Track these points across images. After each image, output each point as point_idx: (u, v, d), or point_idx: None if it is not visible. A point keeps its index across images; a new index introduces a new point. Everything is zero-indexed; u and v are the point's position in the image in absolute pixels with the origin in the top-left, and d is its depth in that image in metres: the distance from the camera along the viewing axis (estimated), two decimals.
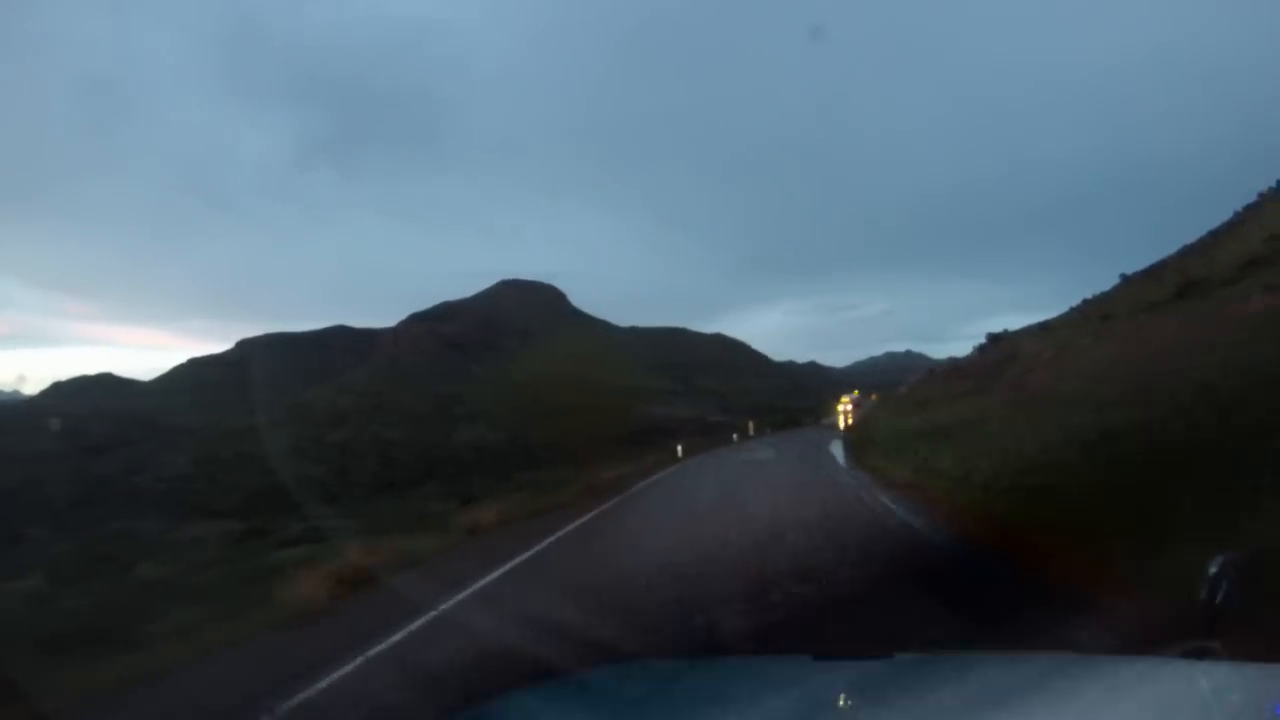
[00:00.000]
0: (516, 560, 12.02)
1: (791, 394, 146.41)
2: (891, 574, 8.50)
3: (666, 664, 3.23)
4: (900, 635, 5.73)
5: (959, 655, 3.48)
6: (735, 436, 62.48)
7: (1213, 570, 2.18)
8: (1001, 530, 9.22)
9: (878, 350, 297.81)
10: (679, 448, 43.02)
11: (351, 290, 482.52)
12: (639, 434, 64.12)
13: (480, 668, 6.30)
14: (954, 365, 59.31)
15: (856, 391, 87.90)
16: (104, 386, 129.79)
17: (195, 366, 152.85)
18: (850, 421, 62.50)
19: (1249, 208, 65.02)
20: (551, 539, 14.23)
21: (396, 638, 7.84)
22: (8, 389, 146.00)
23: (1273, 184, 67.48)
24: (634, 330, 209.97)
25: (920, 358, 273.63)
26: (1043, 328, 54.88)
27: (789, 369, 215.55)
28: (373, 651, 7.40)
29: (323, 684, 6.58)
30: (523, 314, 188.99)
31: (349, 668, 6.97)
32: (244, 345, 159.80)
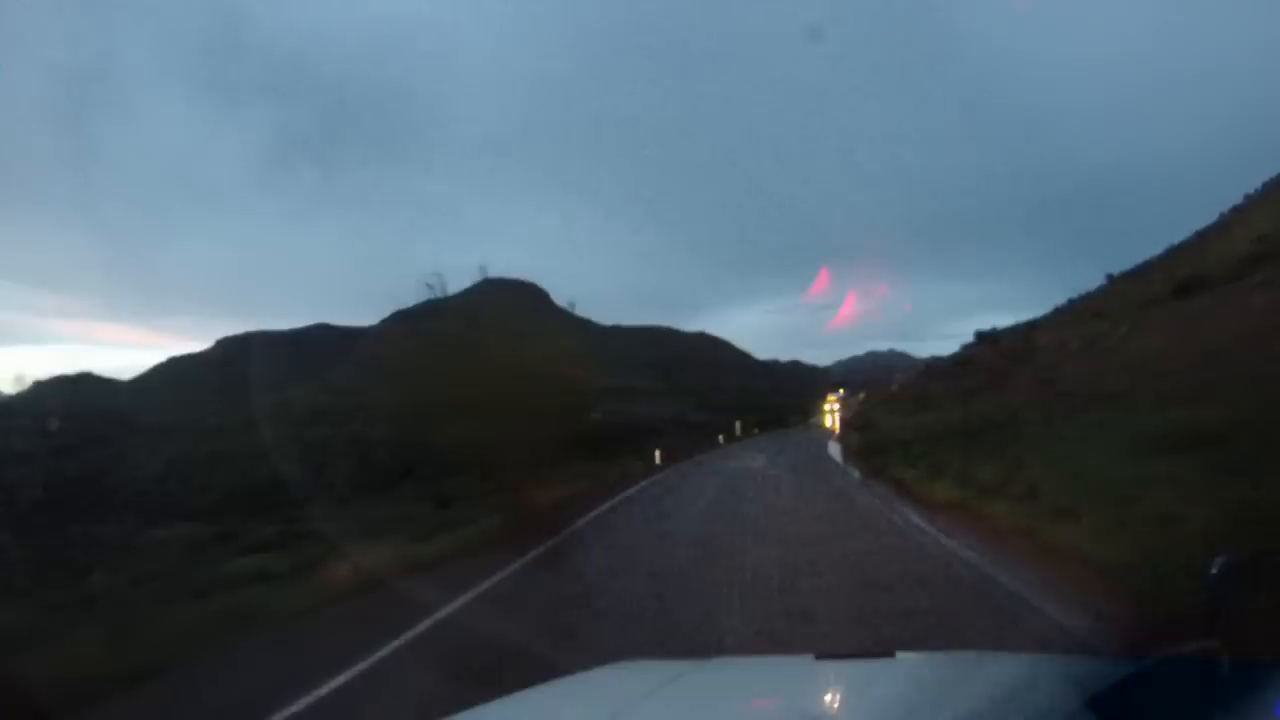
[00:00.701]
0: None
1: (775, 393, 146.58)
2: None
3: (667, 664, 3.09)
4: None
5: (959, 655, 3.65)
6: (721, 439, 59.71)
7: (1213, 570, 2.15)
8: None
9: (860, 349, 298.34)
10: (657, 453, 40.12)
11: (334, 288, 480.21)
12: (615, 436, 63.57)
13: None
14: (956, 361, 58.72)
15: (842, 390, 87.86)
16: (83, 385, 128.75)
17: (175, 365, 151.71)
18: (837, 421, 62.35)
19: (1235, 209, 65.57)
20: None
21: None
22: None
23: (1258, 186, 68.13)
24: (617, 328, 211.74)
25: (903, 356, 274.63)
26: (1030, 326, 54.40)
27: (773, 367, 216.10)
28: None
29: None
30: (506, 311, 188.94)
31: None
32: (224, 343, 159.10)
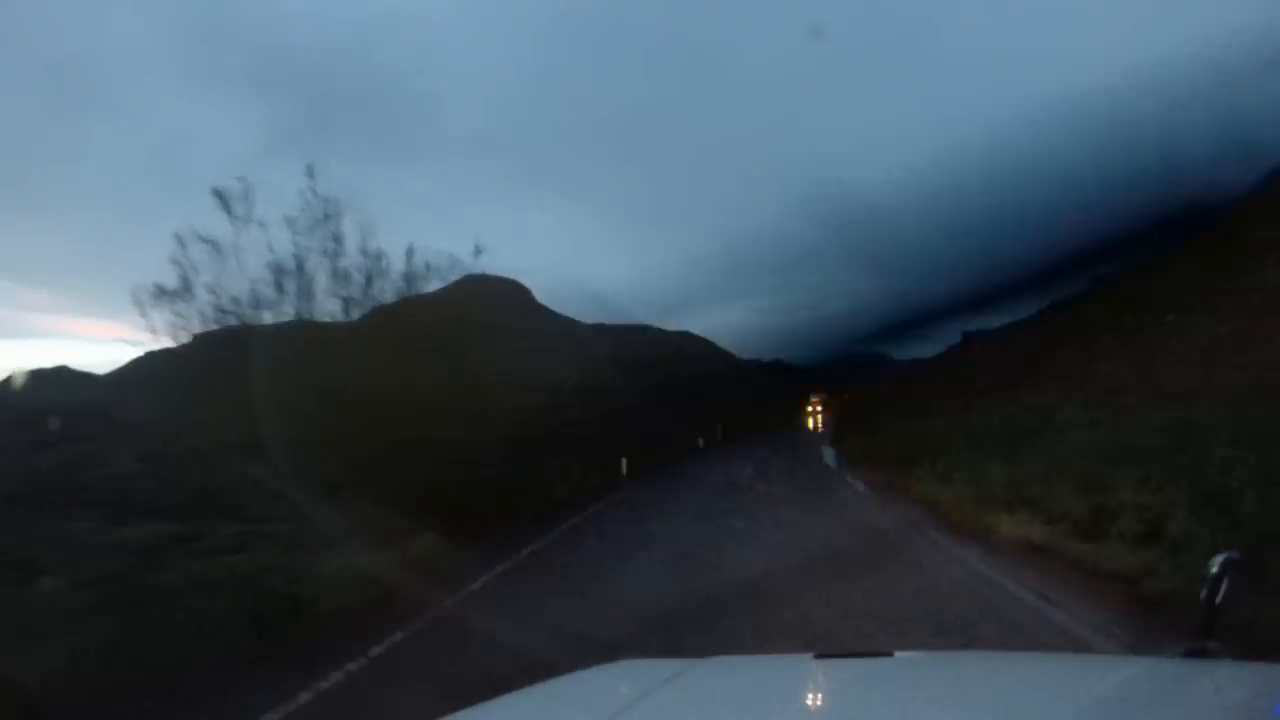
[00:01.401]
0: None
1: (758, 392, 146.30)
2: None
3: (666, 663, 3.01)
4: None
5: (959, 655, 3.71)
6: (701, 441, 55.81)
7: (1213, 570, 2.22)
8: None
9: (842, 350, 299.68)
10: (624, 461, 32.87)
11: (314, 282, 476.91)
12: (587, 438, 63.08)
13: None
14: (951, 360, 56.10)
15: (824, 393, 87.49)
16: (60, 380, 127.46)
17: (153, 360, 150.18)
18: (821, 422, 61.98)
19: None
20: None
21: None
22: None
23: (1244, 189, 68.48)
24: (600, 326, 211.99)
25: (884, 358, 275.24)
26: (1016, 328, 53.96)
27: (755, 367, 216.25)
28: None
29: None
30: (487, 309, 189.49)
31: None
32: (202, 339, 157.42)
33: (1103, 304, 44.37)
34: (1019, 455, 16.28)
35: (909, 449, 24.10)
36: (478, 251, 30.36)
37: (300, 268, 23.59)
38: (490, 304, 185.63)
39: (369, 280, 24.75)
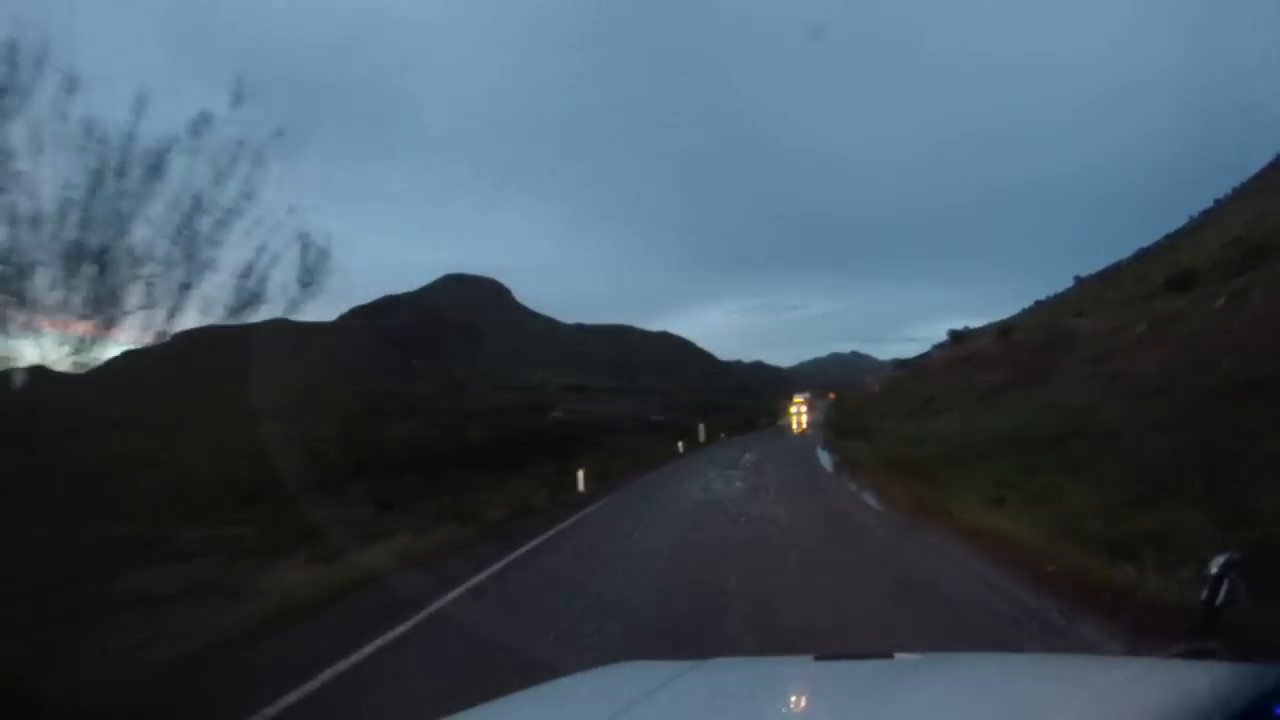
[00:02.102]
0: None
1: (738, 393, 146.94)
2: None
3: (666, 664, 2.89)
4: None
5: (959, 656, 3.58)
6: (681, 445, 45.69)
7: (1213, 570, 2.21)
8: None
9: (823, 351, 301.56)
10: (580, 475, 24.62)
11: (292, 282, 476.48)
12: (559, 440, 62.33)
13: None
14: (956, 356, 52.66)
15: (808, 393, 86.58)
16: (35, 378, 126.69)
17: (131, 359, 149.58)
18: (804, 423, 59.76)
19: (1206, 213, 66.51)
20: None
21: None
22: None
23: (1228, 192, 69.06)
24: (580, 327, 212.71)
25: (865, 358, 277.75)
26: (1004, 328, 52.88)
27: (735, 368, 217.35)
28: None
29: None
30: (466, 309, 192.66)
31: None
32: (180, 338, 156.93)
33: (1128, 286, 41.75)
34: (1081, 467, 13.27)
35: (926, 456, 20.49)
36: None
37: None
38: (468, 303, 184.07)
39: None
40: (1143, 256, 66.26)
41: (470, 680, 6.94)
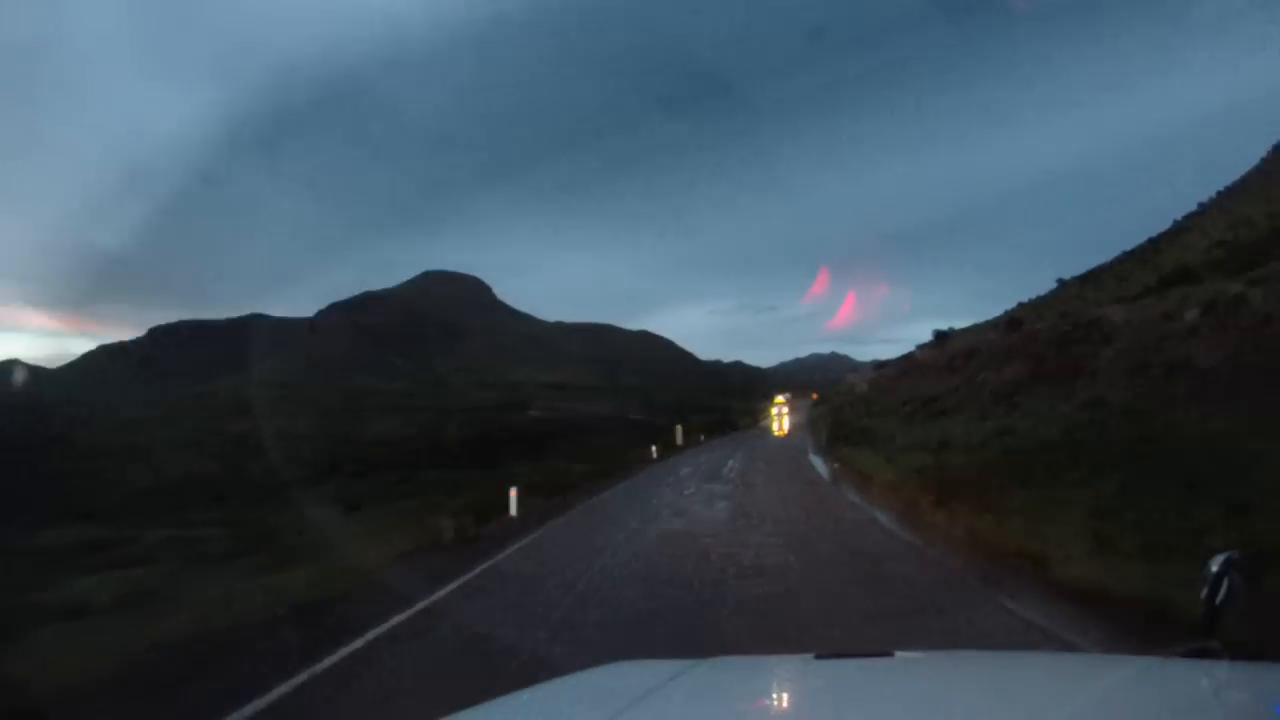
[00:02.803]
0: None
1: (718, 392, 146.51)
2: None
3: (666, 664, 2.74)
4: None
5: (959, 655, 3.58)
6: (655, 450, 39.88)
7: (1213, 570, 2.14)
8: None
9: (803, 351, 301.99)
10: (512, 495, 19.08)
11: (271, 278, 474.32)
12: (536, 439, 62.05)
13: None
14: (955, 351, 47.16)
15: (789, 393, 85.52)
16: (9, 374, 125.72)
17: (105, 353, 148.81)
18: (785, 424, 57.94)
19: (1190, 216, 66.99)
20: None
21: None
22: None
23: (1213, 194, 69.51)
24: (560, 325, 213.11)
25: (843, 359, 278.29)
26: (1011, 320, 50.70)
27: (716, 367, 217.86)
28: None
29: None
30: (446, 306, 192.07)
31: None
32: (156, 332, 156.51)
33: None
34: (1196, 484, 10.18)
35: (957, 467, 16.32)
36: None
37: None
38: (448, 300, 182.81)
39: None
40: (1125, 259, 66.52)
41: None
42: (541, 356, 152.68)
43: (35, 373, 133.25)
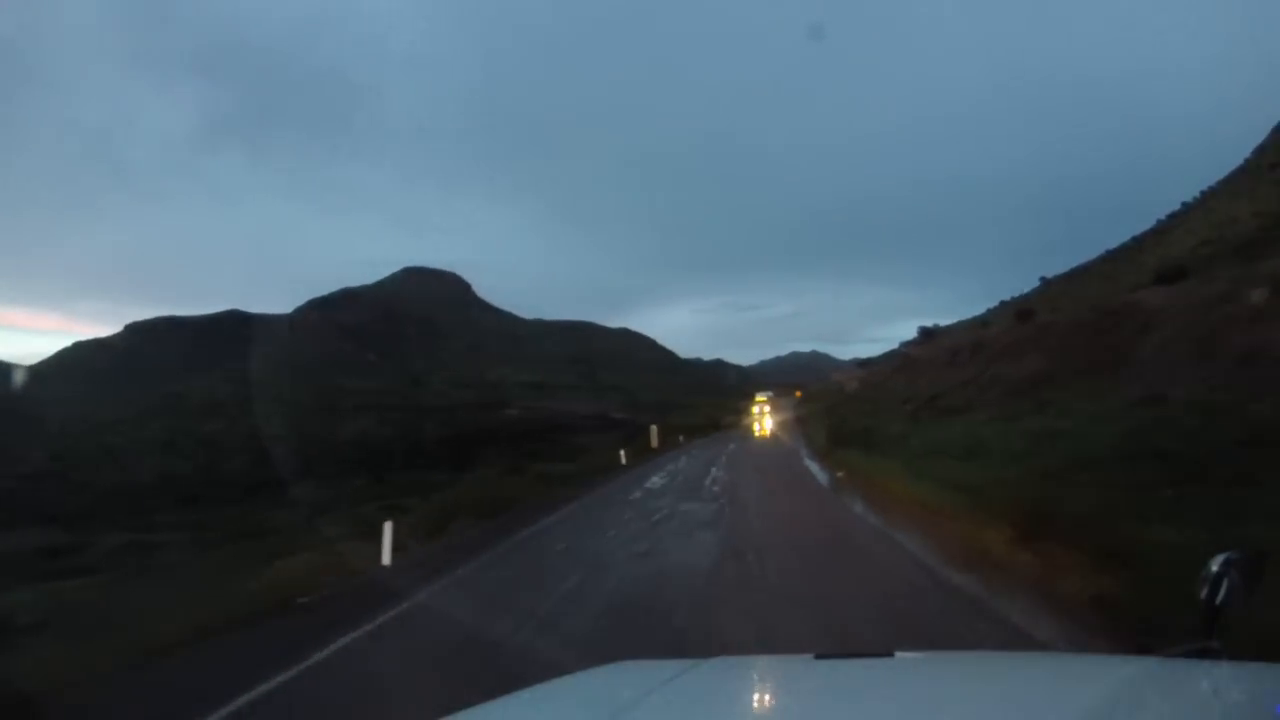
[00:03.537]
0: None
1: (699, 391, 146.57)
2: None
3: (666, 664, 2.73)
4: None
5: (959, 655, 3.61)
6: (624, 455, 34.13)
7: (1213, 570, 2.18)
8: None
9: (784, 350, 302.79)
10: (386, 537, 13.58)
11: (250, 274, 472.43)
12: (513, 438, 61.65)
13: None
14: (957, 345, 43.51)
15: (770, 391, 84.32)
16: None
17: (81, 350, 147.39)
18: (765, 425, 55.91)
19: (1172, 216, 67.64)
20: None
21: None
22: None
23: (1196, 194, 70.05)
24: (540, 323, 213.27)
25: (825, 358, 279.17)
26: (1021, 309, 48.71)
27: (696, 366, 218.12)
28: None
29: None
30: (426, 303, 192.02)
31: None
32: (133, 329, 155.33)
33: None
34: None
35: (1007, 482, 12.66)
36: None
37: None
38: (428, 297, 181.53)
39: None
40: (1110, 258, 67.06)
41: None
42: (521, 355, 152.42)
43: (12, 370, 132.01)
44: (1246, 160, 69.61)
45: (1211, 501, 9.00)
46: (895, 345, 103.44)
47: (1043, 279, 75.42)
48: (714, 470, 25.80)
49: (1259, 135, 71.39)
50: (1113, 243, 71.23)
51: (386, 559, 12.98)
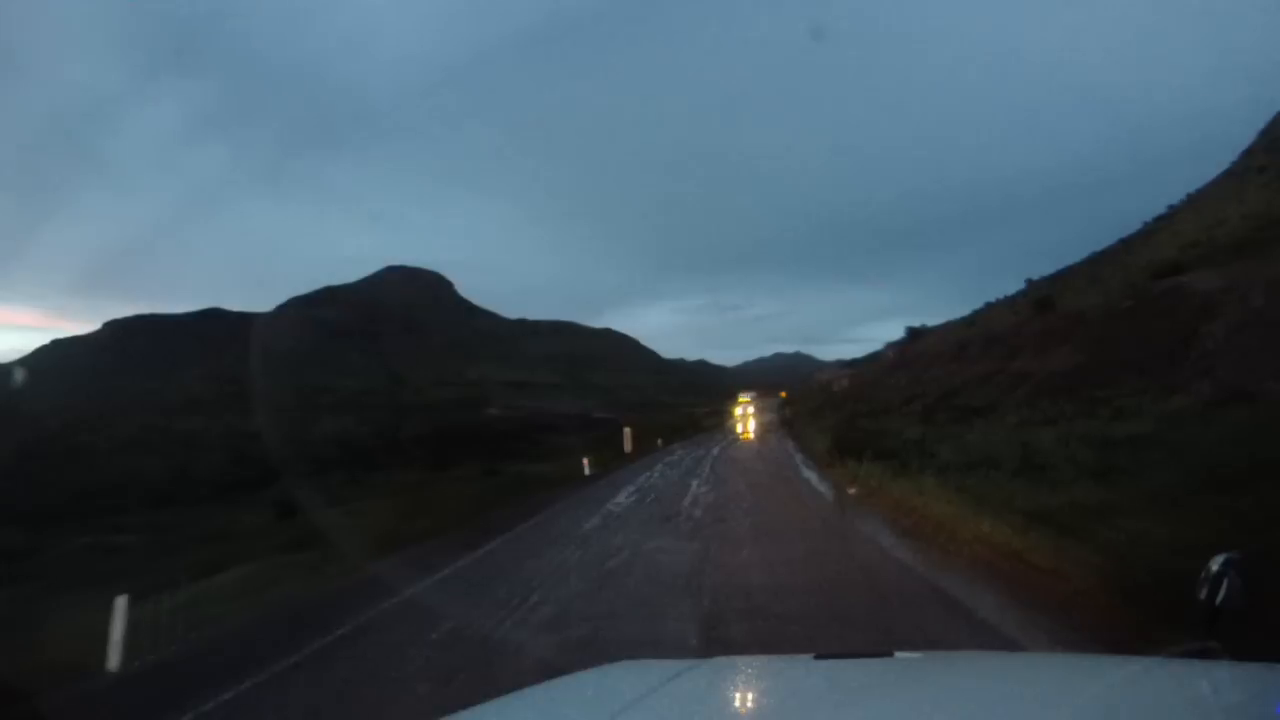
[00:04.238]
0: None
1: (682, 391, 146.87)
2: None
3: (666, 664, 2.69)
4: None
5: (959, 655, 3.61)
6: (588, 465, 28.76)
7: (1213, 570, 2.21)
8: None
9: (767, 351, 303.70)
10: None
11: (232, 272, 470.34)
12: (493, 438, 61.21)
13: None
14: (965, 339, 40.59)
15: (754, 391, 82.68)
16: None
17: (59, 348, 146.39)
18: (750, 427, 52.51)
19: (1159, 219, 67.89)
20: None
21: None
22: None
23: (1182, 197, 70.33)
24: (523, 322, 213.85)
25: (809, 359, 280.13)
26: (1039, 300, 46.10)
27: (679, 366, 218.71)
28: None
29: None
30: (408, 302, 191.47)
31: None
32: (112, 326, 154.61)
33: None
34: None
35: (1115, 511, 8.99)
36: None
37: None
38: (410, 295, 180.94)
39: None
40: (1096, 260, 67.21)
41: None
42: (503, 354, 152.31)
43: None
44: (1233, 163, 69.89)
45: None
46: (879, 346, 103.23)
47: (1028, 281, 75.52)
48: (695, 485, 20.69)
49: (1246, 139, 71.76)
50: (1098, 246, 71.32)
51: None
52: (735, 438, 46.85)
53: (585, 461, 28.93)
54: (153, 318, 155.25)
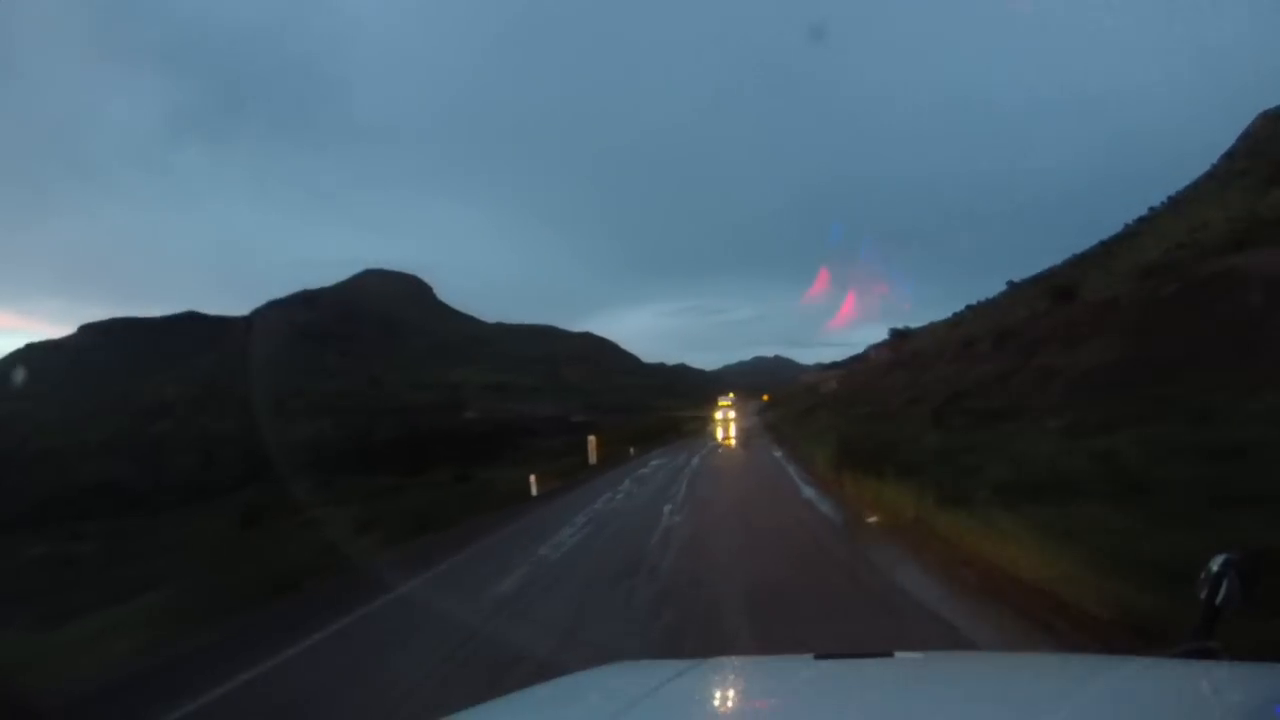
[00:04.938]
0: None
1: (662, 394, 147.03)
2: None
3: (666, 664, 2.69)
4: None
5: (959, 655, 3.78)
6: (535, 484, 23.25)
7: (1213, 570, 2.21)
8: None
9: (747, 354, 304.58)
10: None
11: (209, 275, 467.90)
12: (470, 441, 60.73)
13: None
14: (974, 334, 38.72)
15: (733, 394, 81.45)
16: None
17: (33, 351, 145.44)
18: (730, 431, 49.41)
19: (1141, 220, 68.55)
20: None
21: None
22: None
23: (1164, 199, 70.90)
24: (502, 325, 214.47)
25: (789, 362, 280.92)
26: (1059, 288, 43.67)
27: (659, 370, 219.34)
28: None
29: None
30: (386, 305, 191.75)
31: None
32: (87, 330, 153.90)
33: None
34: None
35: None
36: None
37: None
38: (388, 298, 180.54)
39: None
40: (1077, 262, 67.64)
41: None
42: (481, 357, 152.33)
43: None
44: (1214, 166, 70.47)
45: None
46: (861, 349, 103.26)
47: (1010, 283, 76.04)
48: (668, 512, 15.87)
49: (1226, 143, 72.47)
50: (1078, 248, 71.89)
51: None
52: (717, 444, 42.87)
53: (532, 479, 23.33)
54: (129, 321, 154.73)
